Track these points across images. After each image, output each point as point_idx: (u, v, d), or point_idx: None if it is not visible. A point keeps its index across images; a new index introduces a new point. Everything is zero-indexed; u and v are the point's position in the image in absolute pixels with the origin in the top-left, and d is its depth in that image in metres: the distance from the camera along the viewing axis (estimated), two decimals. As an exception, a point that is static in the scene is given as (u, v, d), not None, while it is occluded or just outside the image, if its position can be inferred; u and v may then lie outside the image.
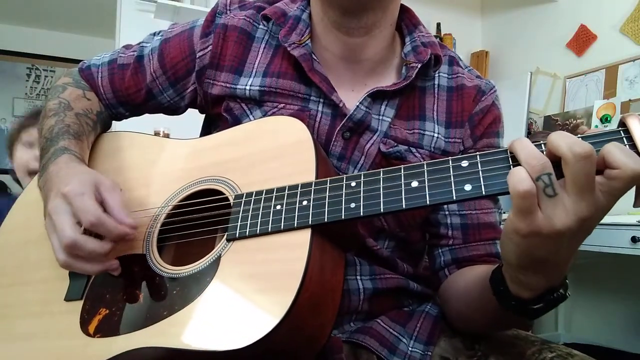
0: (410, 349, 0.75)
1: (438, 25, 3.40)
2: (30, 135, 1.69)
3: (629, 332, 2.64)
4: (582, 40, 2.91)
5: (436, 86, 0.83)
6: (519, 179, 0.48)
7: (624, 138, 0.48)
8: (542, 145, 0.51)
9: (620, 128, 0.49)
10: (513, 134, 2.90)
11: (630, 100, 2.58)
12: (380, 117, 0.78)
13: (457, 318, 0.77)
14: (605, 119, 2.60)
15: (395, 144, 0.78)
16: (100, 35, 4.28)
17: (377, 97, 0.78)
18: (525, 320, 0.60)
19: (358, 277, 0.77)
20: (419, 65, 0.77)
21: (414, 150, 0.79)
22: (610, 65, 2.73)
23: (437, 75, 0.83)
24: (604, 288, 2.70)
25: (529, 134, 3.01)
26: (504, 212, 0.85)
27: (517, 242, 0.50)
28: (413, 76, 0.77)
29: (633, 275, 2.59)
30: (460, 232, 0.81)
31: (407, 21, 0.85)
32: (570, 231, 0.48)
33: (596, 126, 2.61)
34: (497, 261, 0.79)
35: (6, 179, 4.15)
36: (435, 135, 0.80)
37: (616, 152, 0.46)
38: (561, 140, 0.48)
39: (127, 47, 0.93)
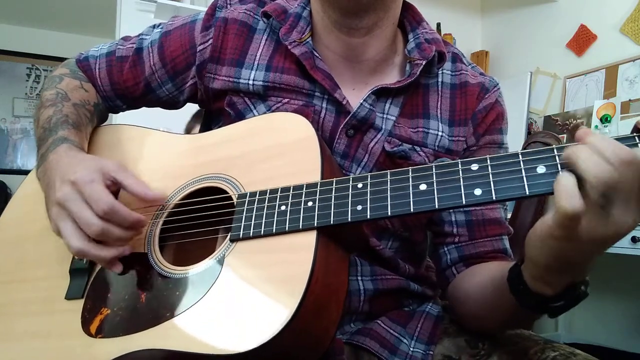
0: (411, 349, 0.74)
1: (438, 25, 3.39)
2: None
3: (629, 332, 2.64)
4: (582, 40, 2.91)
5: (440, 83, 0.82)
6: (570, 198, 0.45)
7: (639, 145, 0.47)
8: (556, 150, 0.49)
9: (635, 134, 0.48)
10: (513, 134, 2.89)
11: (630, 100, 2.58)
12: (385, 116, 0.78)
13: (469, 317, 0.76)
14: (605, 119, 2.60)
15: (400, 143, 0.77)
16: (100, 35, 4.27)
17: (381, 94, 0.77)
18: (538, 317, 0.60)
19: (359, 278, 0.77)
20: (424, 62, 0.76)
21: (418, 149, 0.78)
22: (610, 65, 2.73)
23: (440, 72, 0.82)
24: (604, 288, 2.69)
25: (529, 134, 3.00)
26: (507, 209, 0.85)
27: (551, 245, 0.50)
28: (417, 73, 0.76)
29: (633, 275, 2.59)
30: (465, 229, 0.80)
31: (410, 18, 0.84)
32: (608, 240, 0.47)
33: (596, 126, 2.61)
34: (504, 257, 0.79)
35: (6, 178, 4.16)
36: (439, 133, 0.80)
37: None
38: (607, 146, 0.46)
39: (125, 38, 0.91)
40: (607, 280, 2.67)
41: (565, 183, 0.46)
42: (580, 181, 0.47)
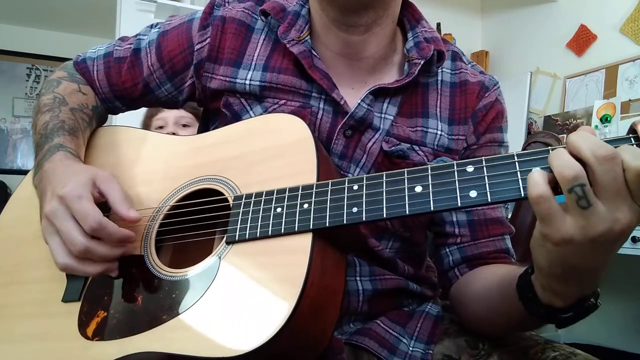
0: (410, 348, 0.74)
1: (438, 25, 3.39)
2: (159, 119, 1.74)
3: (629, 332, 2.63)
4: (582, 40, 2.91)
5: (439, 82, 0.82)
6: (532, 183, 0.47)
7: (635, 145, 0.47)
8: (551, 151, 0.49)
9: (630, 135, 0.48)
10: (513, 134, 2.89)
11: (630, 100, 2.58)
12: (383, 115, 0.77)
13: (474, 321, 0.75)
14: (605, 119, 2.60)
15: (398, 142, 0.77)
16: (100, 35, 4.27)
17: (379, 94, 0.77)
18: (544, 325, 0.59)
19: (357, 278, 0.77)
20: (422, 62, 0.76)
21: (416, 148, 0.78)
22: (610, 65, 2.72)
23: (440, 71, 0.82)
24: (604, 288, 2.65)
25: (529, 134, 3.00)
26: (508, 208, 0.84)
27: (549, 249, 0.49)
28: (416, 73, 0.76)
29: (633, 275, 2.58)
30: (467, 229, 0.80)
31: (409, 16, 0.83)
32: (605, 239, 0.46)
33: (596, 126, 2.61)
34: (507, 257, 0.79)
35: (6, 178, 4.16)
36: (439, 132, 0.79)
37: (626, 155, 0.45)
38: (582, 143, 0.46)
39: (123, 39, 0.91)
40: (607, 280, 2.66)
41: (532, 174, 0.47)
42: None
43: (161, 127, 1.77)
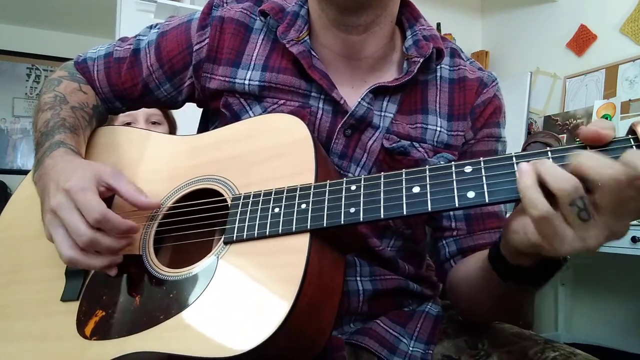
0: (410, 348, 0.75)
1: (438, 25, 3.39)
2: (128, 116, 1.63)
3: (629, 332, 2.63)
4: (582, 40, 2.91)
5: (438, 78, 0.82)
6: (532, 204, 0.47)
7: (634, 146, 0.47)
8: (550, 152, 0.49)
9: (630, 136, 0.48)
10: (513, 134, 2.89)
11: (630, 100, 2.57)
12: (383, 114, 0.78)
13: (465, 306, 0.77)
14: (605, 119, 2.60)
15: (398, 140, 0.77)
16: (100, 35, 4.27)
17: (379, 93, 0.77)
18: (530, 299, 0.60)
19: (358, 279, 0.77)
20: (421, 60, 0.76)
21: (417, 145, 0.78)
22: (610, 65, 2.72)
23: (439, 67, 0.82)
24: (604, 288, 2.69)
25: (529, 134, 3.00)
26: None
27: (533, 244, 0.50)
28: (415, 71, 0.76)
29: (633, 275, 2.58)
30: (464, 222, 0.80)
31: (407, 14, 0.84)
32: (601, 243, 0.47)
33: (596, 126, 2.60)
34: None
35: (6, 178, 4.16)
36: (438, 128, 0.80)
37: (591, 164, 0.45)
38: (589, 163, 0.46)
39: (123, 39, 0.91)
40: (607, 280, 2.67)
41: (530, 193, 0.48)
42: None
43: (129, 124, 1.67)
